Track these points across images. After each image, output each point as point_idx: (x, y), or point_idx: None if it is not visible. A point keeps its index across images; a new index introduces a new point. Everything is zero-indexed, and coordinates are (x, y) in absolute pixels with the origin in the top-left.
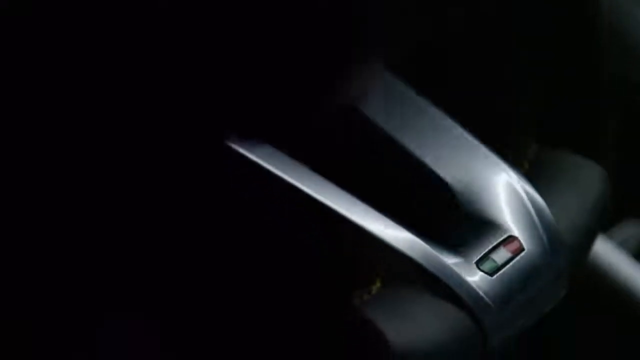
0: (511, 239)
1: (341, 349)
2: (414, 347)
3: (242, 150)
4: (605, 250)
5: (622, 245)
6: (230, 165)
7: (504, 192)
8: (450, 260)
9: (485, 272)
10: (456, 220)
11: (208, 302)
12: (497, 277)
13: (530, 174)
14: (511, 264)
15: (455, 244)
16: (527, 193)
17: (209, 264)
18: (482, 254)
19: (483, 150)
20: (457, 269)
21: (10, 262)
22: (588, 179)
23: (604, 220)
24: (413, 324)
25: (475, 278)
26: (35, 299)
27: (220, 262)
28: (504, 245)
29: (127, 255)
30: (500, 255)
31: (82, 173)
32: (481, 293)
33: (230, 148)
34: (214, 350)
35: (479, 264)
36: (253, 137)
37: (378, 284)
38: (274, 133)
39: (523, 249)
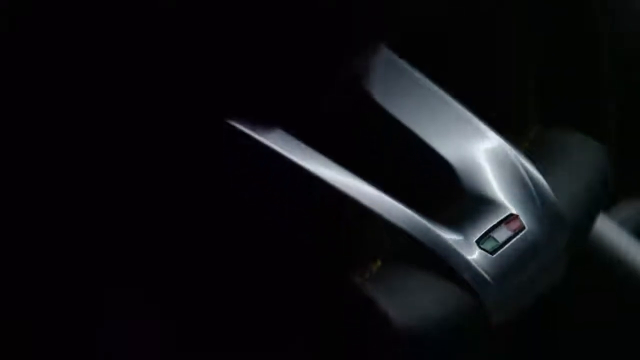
0: (512, 217)
1: (343, 328)
2: (415, 326)
3: (242, 128)
4: (606, 229)
5: (623, 224)
6: (230, 142)
7: (505, 170)
8: (451, 239)
9: (486, 251)
10: (457, 198)
11: (205, 286)
12: (497, 255)
13: (532, 153)
14: (512, 242)
15: (456, 223)
16: (528, 171)
17: (207, 247)
18: (482, 233)
19: (484, 129)
20: (457, 247)
21: (10, 262)
22: (589, 158)
23: (605, 198)
24: (414, 302)
25: (475, 256)
26: (35, 299)
27: (218, 243)
28: (505, 224)
29: (126, 252)
30: (501, 234)
31: (80, 161)
32: (482, 271)
33: (230, 126)
34: (212, 335)
35: (479, 242)
36: (253, 116)
37: (379, 263)
38: (274, 111)
39: (524, 228)
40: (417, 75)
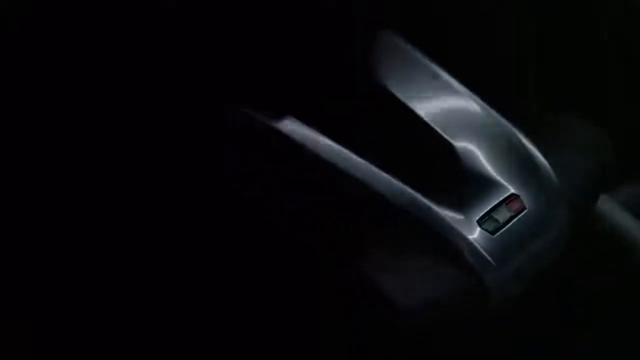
0: (513, 197)
1: (345, 311)
2: (417, 306)
3: (253, 113)
4: (607, 210)
5: (623, 205)
6: (242, 127)
7: (506, 151)
8: (453, 219)
9: (487, 231)
10: (459, 179)
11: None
12: (498, 235)
13: (534, 135)
14: (512, 222)
15: (458, 203)
16: (530, 153)
17: (211, 230)
18: (483, 213)
19: (488, 111)
20: (459, 227)
21: (10, 262)
22: (591, 140)
23: (606, 180)
24: (416, 283)
25: (476, 236)
26: (36, 299)
27: (222, 229)
28: (506, 204)
29: (126, 250)
30: (502, 214)
31: (84, 159)
32: (482, 251)
33: (244, 112)
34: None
35: (480, 222)
36: (264, 101)
37: (381, 243)
38: (282, 96)
39: (524, 208)
40: (421, 57)
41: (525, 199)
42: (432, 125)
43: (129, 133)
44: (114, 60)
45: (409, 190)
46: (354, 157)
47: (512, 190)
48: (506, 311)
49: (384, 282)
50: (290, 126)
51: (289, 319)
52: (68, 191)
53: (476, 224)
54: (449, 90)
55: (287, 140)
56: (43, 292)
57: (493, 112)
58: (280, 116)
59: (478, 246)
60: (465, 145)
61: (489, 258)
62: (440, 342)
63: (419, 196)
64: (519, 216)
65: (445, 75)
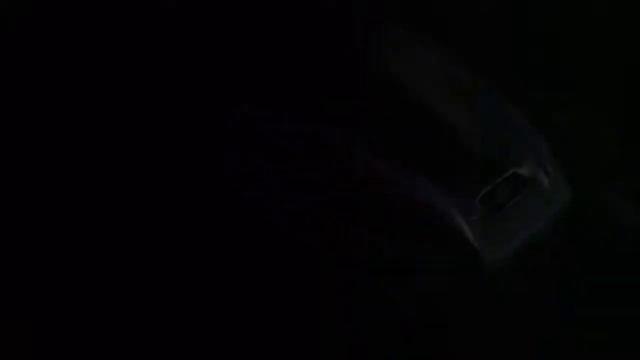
0: (513, 177)
1: (346, 306)
2: (420, 292)
3: (252, 111)
4: (606, 198)
5: (622, 195)
6: (242, 126)
7: (509, 133)
8: (454, 198)
9: (487, 210)
10: (459, 160)
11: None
12: (498, 215)
13: (536, 122)
14: (512, 202)
15: (459, 183)
16: (532, 136)
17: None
18: (484, 192)
19: (491, 95)
20: (460, 207)
21: (10, 262)
22: (592, 129)
23: (606, 168)
24: (417, 267)
25: (477, 215)
26: (36, 299)
27: (222, 229)
28: (507, 184)
29: (126, 250)
30: (502, 194)
31: (86, 159)
32: (482, 230)
33: (243, 112)
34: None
35: (481, 201)
36: (265, 100)
37: (382, 228)
38: (284, 94)
39: (525, 189)
40: (425, 44)
41: (525, 179)
42: (435, 107)
43: (129, 132)
44: (113, 60)
45: (410, 170)
46: (354, 145)
47: (513, 171)
48: (505, 299)
49: (382, 266)
50: (291, 126)
51: (289, 317)
52: (69, 190)
53: (477, 203)
54: (450, 73)
55: (287, 140)
56: (43, 292)
57: (498, 97)
58: (281, 116)
59: (478, 225)
60: (467, 127)
61: (488, 237)
62: (441, 339)
63: (421, 176)
64: (519, 196)
65: (452, 63)
